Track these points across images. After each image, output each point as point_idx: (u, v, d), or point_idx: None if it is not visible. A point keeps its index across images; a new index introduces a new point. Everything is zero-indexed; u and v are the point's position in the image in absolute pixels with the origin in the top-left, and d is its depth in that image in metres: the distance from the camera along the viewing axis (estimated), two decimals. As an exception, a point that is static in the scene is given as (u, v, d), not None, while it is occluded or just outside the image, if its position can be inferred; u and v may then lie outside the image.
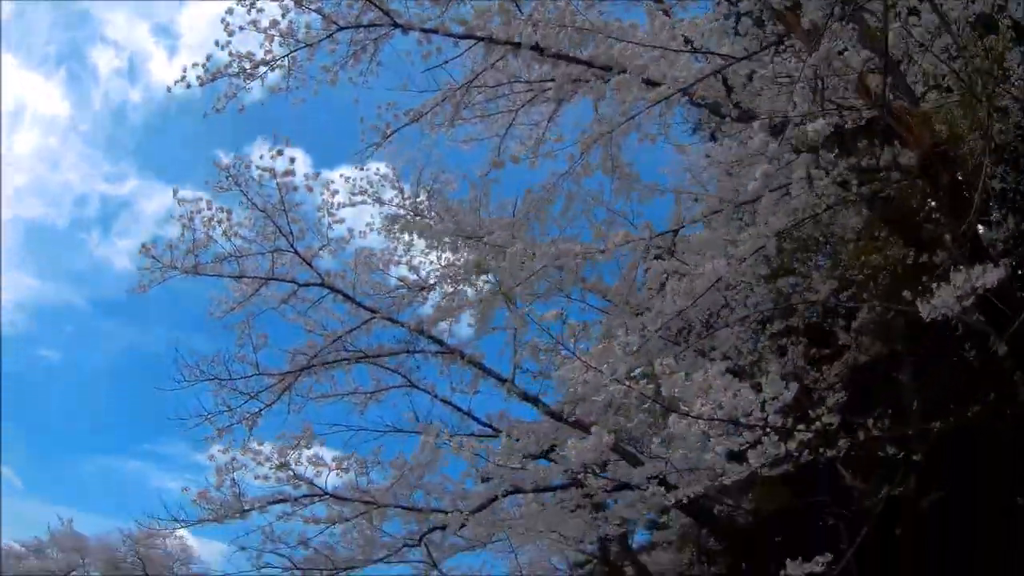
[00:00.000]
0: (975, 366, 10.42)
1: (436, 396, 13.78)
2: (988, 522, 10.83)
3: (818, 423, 8.86)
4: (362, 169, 13.04)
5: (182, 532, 41.66)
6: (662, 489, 10.19)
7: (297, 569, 14.11)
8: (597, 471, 12.58)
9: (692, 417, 7.11)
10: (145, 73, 63.26)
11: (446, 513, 12.91)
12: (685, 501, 11.92)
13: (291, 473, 11.96)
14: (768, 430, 7.72)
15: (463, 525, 13.05)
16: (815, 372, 12.48)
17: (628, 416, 8.79)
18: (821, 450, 10.15)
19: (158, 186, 61.45)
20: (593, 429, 7.89)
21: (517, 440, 10.76)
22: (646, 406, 7.67)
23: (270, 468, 11.84)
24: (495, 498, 13.23)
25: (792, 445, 8.31)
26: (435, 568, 17.74)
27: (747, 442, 7.98)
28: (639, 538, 21.95)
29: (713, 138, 13.49)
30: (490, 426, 13.85)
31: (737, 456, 8.53)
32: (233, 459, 11.73)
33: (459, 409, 13.76)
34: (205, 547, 55.07)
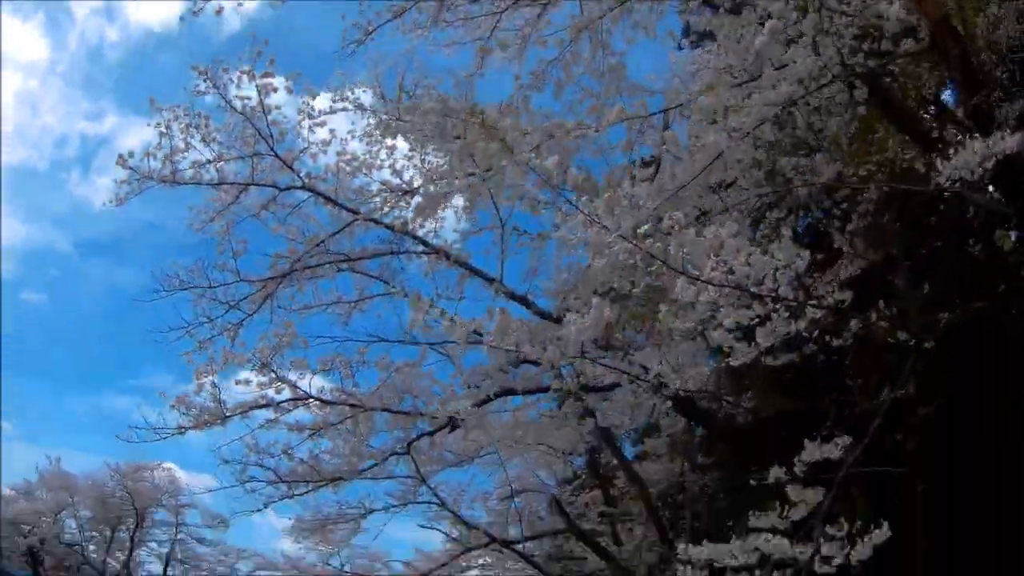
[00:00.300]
0: (980, 260, 10.02)
1: (421, 304, 13.29)
2: (996, 417, 10.56)
3: (829, 299, 8.48)
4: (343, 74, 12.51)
5: (170, 465, 41.87)
6: (658, 380, 9.86)
7: (282, 482, 13.77)
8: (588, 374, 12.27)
9: (702, 282, 6.65)
10: (121, 12, 62.02)
11: (434, 416, 12.49)
12: (683, 394, 11.63)
13: (273, 375, 11.45)
14: (779, 302, 7.27)
15: (452, 428, 12.65)
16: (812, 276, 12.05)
17: (634, 282, 8.27)
18: (828, 338, 9.89)
19: (137, 121, 60.80)
20: (594, 301, 7.45)
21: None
22: (652, 268, 7.14)
23: (251, 369, 11.32)
24: (485, 400, 12.83)
25: (802, 324, 7.89)
26: (423, 483, 17.57)
27: (757, 316, 7.54)
28: (628, 452, 21.80)
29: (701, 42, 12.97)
30: (478, 333, 13.38)
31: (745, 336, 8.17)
32: (212, 360, 11.17)
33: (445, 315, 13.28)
34: (194, 480, 55.26)
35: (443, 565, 18.39)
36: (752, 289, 6.89)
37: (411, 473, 17.84)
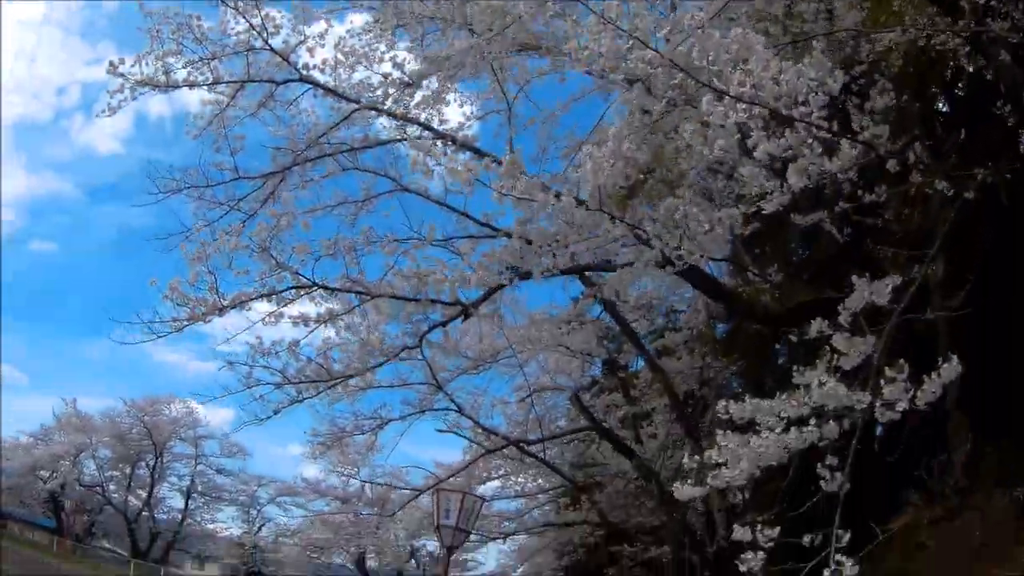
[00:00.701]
0: (1008, 124, 9.28)
1: (429, 198, 12.57)
2: None
3: (865, 134, 7.71)
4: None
5: (189, 400, 41.63)
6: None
7: (290, 383, 13.12)
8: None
9: (730, 98, 5.85)
10: (116, -45, 60.58)
11: (448, 304, 11.76)
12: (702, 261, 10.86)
13: (273, 262, 10.67)
14: (813, 129, 6.50)
15: (465, 317, 11.93)
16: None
17: (655, 94, 7.44)
18: (860, 193, 9.15)
19: (137, 61, 59.01)
20: (611, 132, 6.66)
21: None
22: (676, 81, 6.31)
23: (249, 255, 10.54)
24: (499, 287, 12.07)
25: (837, 163, 7.16)
26: (439, 389, 16.97)
27: (789, 147, 6.78)
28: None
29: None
30: (489, 226, 12.60)
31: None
32: (204, 246, 10.36)
33: (455, 210, 12.50)
34: (212, 415, 55.30)
35: (462, 469, 17.84)
36: (783, 111, 6.15)
37: (426, 379, 17.31)
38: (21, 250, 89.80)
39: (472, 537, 37.83)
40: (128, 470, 48.27)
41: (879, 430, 12.06)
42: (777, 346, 15.36)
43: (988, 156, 8.68)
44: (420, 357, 16.14)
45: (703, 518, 17.84)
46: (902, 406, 6.14)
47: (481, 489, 21.82)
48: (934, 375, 6.20)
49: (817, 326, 7.33)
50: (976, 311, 9.43)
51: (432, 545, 44.35)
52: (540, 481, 24.02)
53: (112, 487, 48.28)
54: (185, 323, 10.84)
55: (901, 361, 6.31)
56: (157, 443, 45.34)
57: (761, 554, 6.06)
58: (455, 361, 18.96)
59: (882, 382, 6.28)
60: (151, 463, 46.42)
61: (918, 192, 10.24)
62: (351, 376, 12.94)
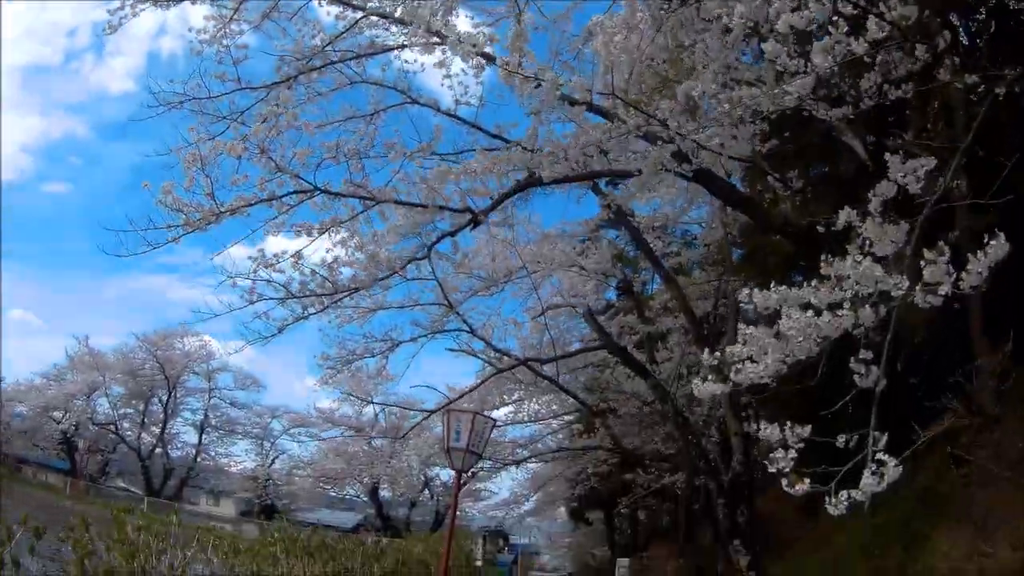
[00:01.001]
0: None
1: (439, 110, 11.93)
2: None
3: (892, 14, 7.09)
4: None
5: (203, 334, 41.28)
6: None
7: (294, 298, 12.63)
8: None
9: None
10: None
11: (457, 211, 11.26)
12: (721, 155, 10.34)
13: (273, 164, 10.15)
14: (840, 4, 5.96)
15: (475, 225, 11.40)
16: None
17: None
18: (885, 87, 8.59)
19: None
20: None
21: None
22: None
23: (249, 158, 9.99)
24: (509, 193, 11.56)
25: (863, 46, 6.68)
26: (451, 309, 16.51)
27: (814, 20, 6.26)
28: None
29: None
30: (500, 138, 12.01)
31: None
32: (199, 150, 9.81)
33: (465, 122, 11.90)
34: (228, 348, 55.09)
35: (473, 389, 17.47)
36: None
37: (437, 299, 16.86)
38: (35, 193, 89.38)
39: (484, 466, 37.79)
40: (141, 407, 48.29)
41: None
42: (796, 265, 14.82)
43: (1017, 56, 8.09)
44: (431, 276, 15.75)
45: (718, 446, 17.54)
46: (945, 289, 5.56)
47: (493, 415, 21.44)
48: (980, 254, 5.62)
49: (845, 216, 6.78)
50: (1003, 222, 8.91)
51: (446, 475, 44.47)
52: (554, 407, 23.72)
53: (126, 425, 48.34)
54: (181, 231, 10.30)
55: (941, 243, 5.72)
56: (170, 377, 45.24)
57: (792, 453, 5.56)
58: (467, 282, 18.54)
59: (921, 263, 5.69)
60: (164, 399, 46.34)
61: (941, 99, 9.70)
62: (357, 289, 12.45)
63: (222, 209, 10.21)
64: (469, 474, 39.01)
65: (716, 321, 17.91)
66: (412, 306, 17.54)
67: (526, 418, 22.95)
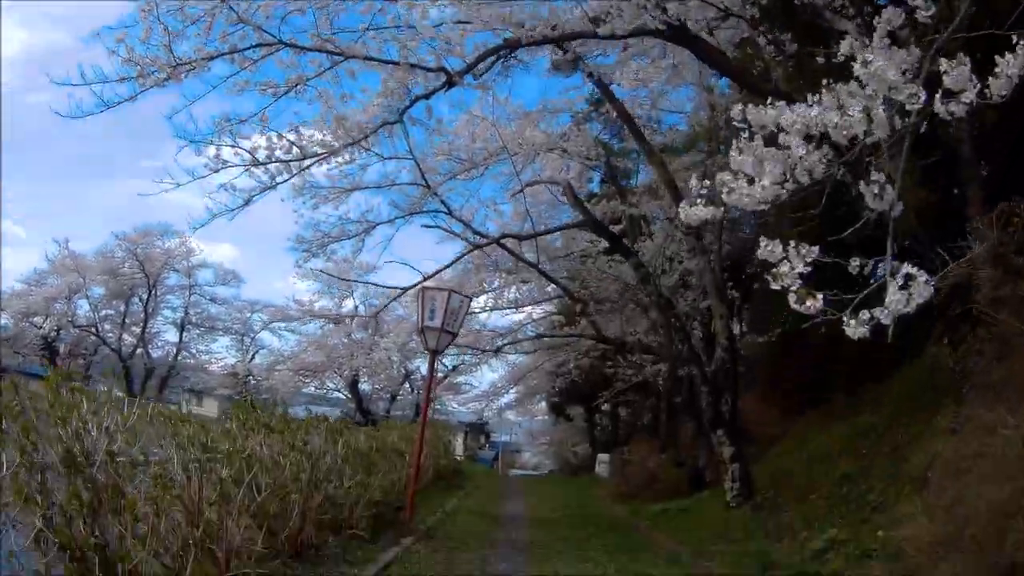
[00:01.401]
0: None
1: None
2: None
3: None
4: None
5: (186, 234, 40.49)
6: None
7: (259, 164, 12.05)
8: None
9: None
10: None
11: (431, 70, 10.64)
12: None
13: (235, 16, 9.47)
14: None
15: (450, 86, 10.81)
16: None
17: None
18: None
19: None
20: None
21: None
22: None
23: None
24: (487, 54, 10.94)
25: None
26: (428, 189, 15.99)
27: None
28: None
29: None
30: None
31: None
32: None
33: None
34: (214, 251, 54.52)
35: (449, 265, 17.04)
36: None
37: (415, 179, 16.33)
38: (22, 105, 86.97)
39: (465, 359, 37.78)
40: (122, 307, 47.70)
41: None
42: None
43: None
44: (408, 155, 15.22)
45: (702, 339, 17.28)
46: (969, 97, 4.94)
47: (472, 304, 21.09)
48: (1008, 57, 4.98)
49: (847, 46, 6.10)
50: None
51: (426, 368, 44.53)
52: (535, 295, 23.36)
53: (107, 327, 47.74)
54: (138, 85, 9.66)
55: (961, 54, 5.08)
56: (150, 275, 44.60)
57: (798, 267, 5.05)
58: (446, 164, 17.95)
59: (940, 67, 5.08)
60: (144, 298, 45.83)
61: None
62: (326, 155, 11.89)
63: (180, 62, 9.57)
64: (450, 368, 39.13)
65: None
66: (389, 186, 17.05)
67: (505, 305, 22.60)
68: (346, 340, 34.76)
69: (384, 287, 17.30)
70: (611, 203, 19.85)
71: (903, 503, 8.93)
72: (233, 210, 12.69)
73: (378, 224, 17.45)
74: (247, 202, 12.70)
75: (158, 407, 7.98)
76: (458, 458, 34.85)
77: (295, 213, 16.46)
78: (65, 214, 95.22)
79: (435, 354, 14.98)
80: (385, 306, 17.64)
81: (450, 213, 16.67)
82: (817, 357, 16.64)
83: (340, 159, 12.75)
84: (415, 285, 15.33)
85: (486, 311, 22.34)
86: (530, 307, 23.56)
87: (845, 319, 4.89)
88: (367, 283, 16.15)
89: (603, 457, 35.30)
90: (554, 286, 20.97)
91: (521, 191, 16.47)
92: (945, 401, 10.06)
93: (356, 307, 36.91)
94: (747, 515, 12.83)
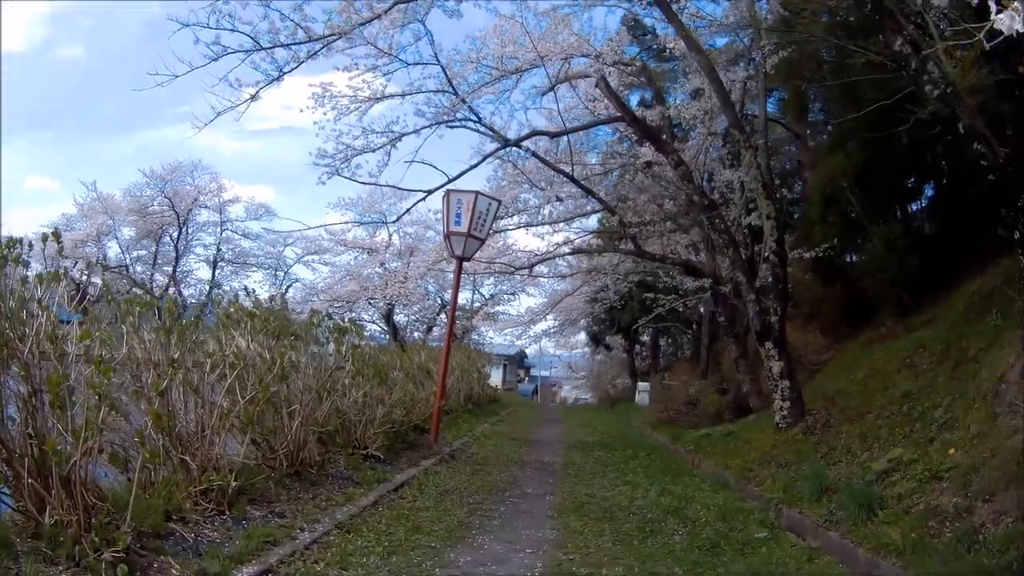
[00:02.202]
0: None
1: None
2: None
3: None
4: None
5: (214, 170, 39.62)
6: None
7: (262, 49, 10.96)
8: None
9: None
10: None
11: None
12: None
13: None
14: None
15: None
16: None
17: None
18: None
19: None
20: None
21: None
22: None
23: None
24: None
25: None
26: (453, 90, 14.80)
27: None
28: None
29: None
30: None
31: None
32: None
33: None
34: (242, 192, 53.77)
35: (477, 165, 15.73)
36: None
37: (441, 86, 15.06)
38: (52, 61, 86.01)
39: (503, 288, 36.76)
40: (153, 247, 47.12)
41: None
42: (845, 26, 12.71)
43: None
44: (433, 60, 14.00)
45: (746, 253, 15.94)
46: None
47: (503, 223, 19.87)
48: None
49: None
50: None
51: (463, 296, 43.65)
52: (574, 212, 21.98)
53: (138, 268, 47.23)
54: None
55: None
56: (180, 213, 43.83)
57: None
58: (474, 75, 16.57)
59: None
60: (175, 236, 45.13)
61: None
62: (335, 37, 10.69)
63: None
64: (487, 297, 38.10)
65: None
66: (414, 93, 15.72)
67: (542, 221, 21.25)
68: (380, 269, 33.84)
69: (406, 190, 16.08)
70: (647, 111, 18.42)
71: (974, 420, 7.76)
72: (237, 105, 11.62)
73: (404, 135, 16.17)
74: (253, 97, 11.66)
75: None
76: (495, 387, 33.94)
77: (315, 126, 15.33)
78: (99, 165, 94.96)
79: (462, 261, 13.92)
80: (408, 211, 16.54)
81: (479, 121, 15.40)
82: (860, 282, 15.67)
83: (360, 69, 11.53)
84: (440, 187, 14.16)
85: (521, 228, 20.95)
86: (565, 231, 22.15)
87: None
88: (389, 186, 14.85)
89: (643, 386, 34.25)
90: (591, 206, 19.71)
91: (551, 90, 15.10)
92: (1012, 312, 8.87)
93: (390, 235, 35.89)
94: (798, 437, 11.66)
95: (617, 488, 10.46)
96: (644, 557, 6.58)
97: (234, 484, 6.44)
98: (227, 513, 6.26)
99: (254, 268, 49.40)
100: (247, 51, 10.92)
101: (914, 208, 16.53)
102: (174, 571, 4.89)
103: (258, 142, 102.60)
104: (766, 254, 13.17)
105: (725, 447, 13.77)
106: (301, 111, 13.91)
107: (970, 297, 11.24)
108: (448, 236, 13.63)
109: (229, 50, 10.84)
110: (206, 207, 46.11)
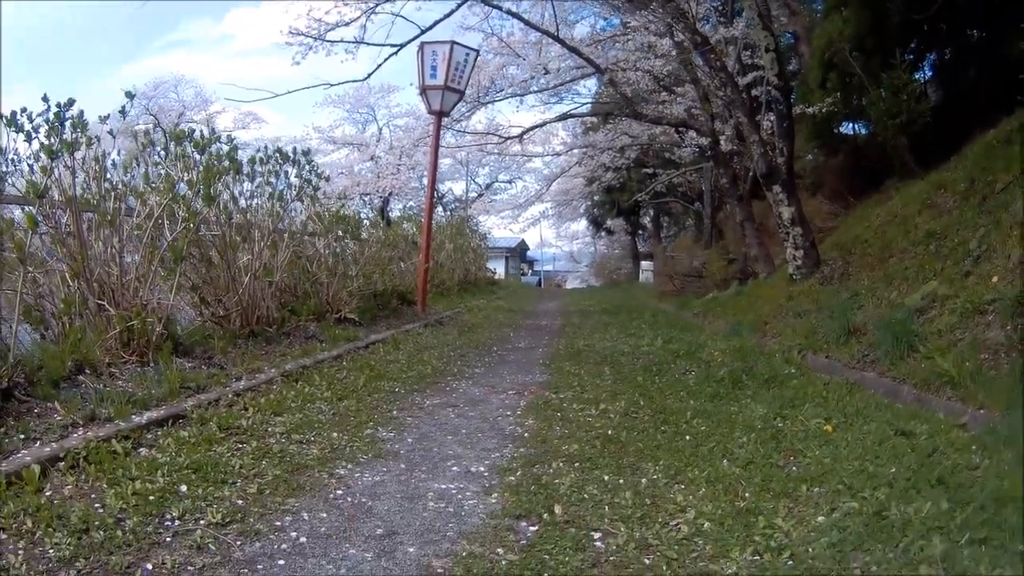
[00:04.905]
0: None
1: None
2: None
3: None
4: None
5: (196, 79, 38.20)
6: None
7: None
8: None
9: None
10: None
11: None
12: None
13: None
14: None
15: None
16: None
17: None
18: None
19: None
20: None
21: None
22: None
23: None
24: None
25: None
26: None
27: None
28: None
29: None
30: None
31: None
32: None
33: None
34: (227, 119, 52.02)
35: (449, 14, 14.25)
36: None
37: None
38: (30, 8, 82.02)
39: (499, 178, 35.56)
40: (143, 169, 45.89)
41: None
42: None
43: None
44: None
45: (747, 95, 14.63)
46: None
47: (492, 97, 18.62)
48: None
49: None
50: None
51: (459, 188, 42.48)
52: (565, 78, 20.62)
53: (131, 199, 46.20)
54: None
55: None
56: (166, 130, 42.37)
57: None
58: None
59: None
60: (163, 155, 43.80)
61: None
62: None
63: None
64: (483, 186, 36.89)
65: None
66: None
67: (534, 89, 19.85)
68: (371, 163, 32.83)
69: (376, 44, 14.51)
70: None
71: (1014, 247, 6.74)
72: None
73: (378, 3, 14.71)
74: None
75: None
76: (494, 272, 32.95)
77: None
78: (96, 103, 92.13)
79: (440, 116, 12.71)
80: (379, 66, 15.06)
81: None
82: (864, 151, 14.70)
83: None
84: (413, 39, 12.82)
85: (509, 100, 19.54)
86: (558, 106, 20.84)
87: None
88: (363, 43, 13.33)
89: (646, 265, 33.34)
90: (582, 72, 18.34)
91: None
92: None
93: (380, 129, 34.70)
94: (815, 287, 10.64)
95: (620, 340, 9.51)
96: (651, 392, 5.60)
97: (160, 332, 5.43)
98: (152, 364, 5.26)
99: (246, 177, 48.39)
100: None
101: (918, 77, 15.45)
102: (57, 416, 3.91)
103: (249, 61, 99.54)
104: (767, 88, 11.91)
105: (736, 306, 12.85)
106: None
107: (987, 144, 10.23)
108: (424, 90, 12.41)
109: None
110: (193, 121, 44.76)
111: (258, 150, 8.64)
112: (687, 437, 4.20)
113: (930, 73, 14.51)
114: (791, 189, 11.62)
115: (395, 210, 39.66)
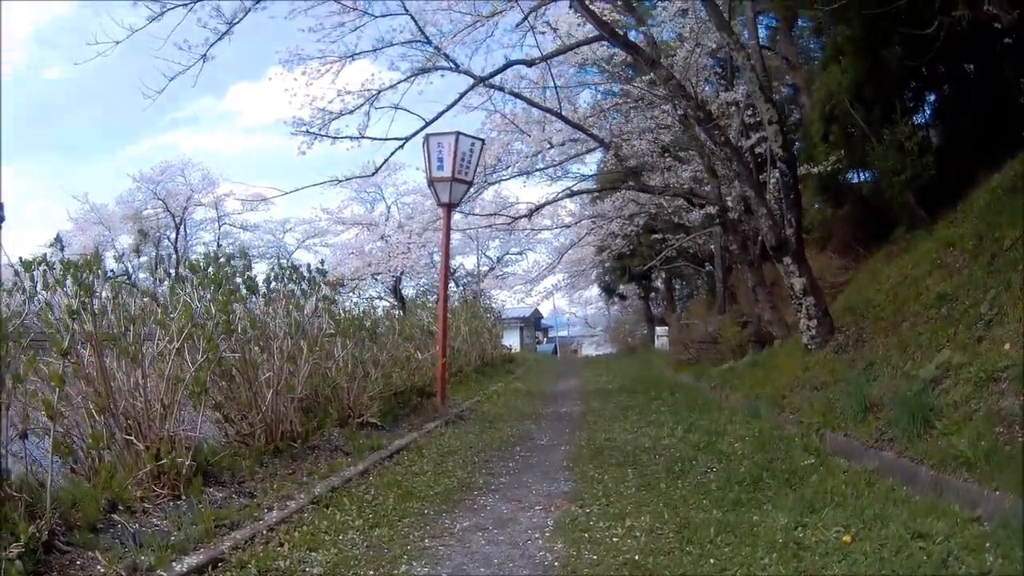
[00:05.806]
0: None
1: None
2: None
3: None
4: None
5: (202, 161, 38.87)
6: None
7: None
8: None
9: None
10: None
11: None
12: None
13: None
14: None
15: None
16: None
17: None
18: None
19: None
20: None
21: None
22: None
23: None
24: None
25: None
26: (425, 38, 13.76)
27: None
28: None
29: None
30: None
31: None
32: None
33: None
34: (242, 190, 52.73)
35: (453, 105, 14.63)
36: None
37: (414, 36, 14.00)
38: (40, 81, 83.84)
39: (510, 250, 35.68)
40: (153, 253, 46.33)
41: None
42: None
43: None
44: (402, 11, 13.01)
45: (752, 166, 14.88)
46: None
47: (497, 175, 18.91)
48: None
49: None
50: None
51: (471, 263, 42.70)
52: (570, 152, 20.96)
53: (141, 276, 46.45)
54: None
55: None
56: (175, 213, 42.89)
57: None
58: (449, 26, 15.52)
59: None
60: (173, 238, 44.26)
61: None
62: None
63: None
64: (495, 260, 37.06)
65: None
66: (386, 47, 14.68)
67: (540, 166, 20.19)
68: (381, 243, 33.23)
69: (379, 139, 14.88)
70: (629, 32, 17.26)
71: None
72: (189, 68, 10.88)
73: (380, 91, 15.13)
74: (204, 57, 10.92)
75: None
76: (509, 348, 33.01)
77: (287, 93, 14.45)
78: (101, 181, 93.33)
79: (450, 208, 12.95)
80: (386, 160, 15.23)
81: (457, 68, 14.33)
82: (870, 201, 14.85)
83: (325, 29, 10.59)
84: (418, 132, 13.12)
85: (516, 178, 19.88)
86: (563, 180, 21.15)
87: None
88: (368, 138, 13.70)
89: (660, 330, 33.40)
90: (587, 146, 18.66)
91: (524, 20, 13.90)
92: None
93: (388, 207, 35.15)
94: (830, 357, 10.69)
95: (640, 430, 9.57)
96: (675, 501, 5.65)
97: (189, 463, 5.55)
98: (184, 498, 5.37)
99: (257, 259, 48.76)
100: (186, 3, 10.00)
101: (919, 121, 15.61)
102: (99, 567, 4.02)
103: (255, 138, 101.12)
104: (775, 157, 12.11)
105: (752, 377, 12.90)
106: (269, 79, 12.86)
107: (992, 192, 10.35)
108: (432, 182, 12.69)
109: (168, 5, 9.97)
110: (201, 204, 45.34)
111: (271, 267, 8.80)
112: (711, 560, 4.26)
113: (930, 114, 14.74)
114: (801, 259, 11.72)
115: (407, 286, 40.05)
